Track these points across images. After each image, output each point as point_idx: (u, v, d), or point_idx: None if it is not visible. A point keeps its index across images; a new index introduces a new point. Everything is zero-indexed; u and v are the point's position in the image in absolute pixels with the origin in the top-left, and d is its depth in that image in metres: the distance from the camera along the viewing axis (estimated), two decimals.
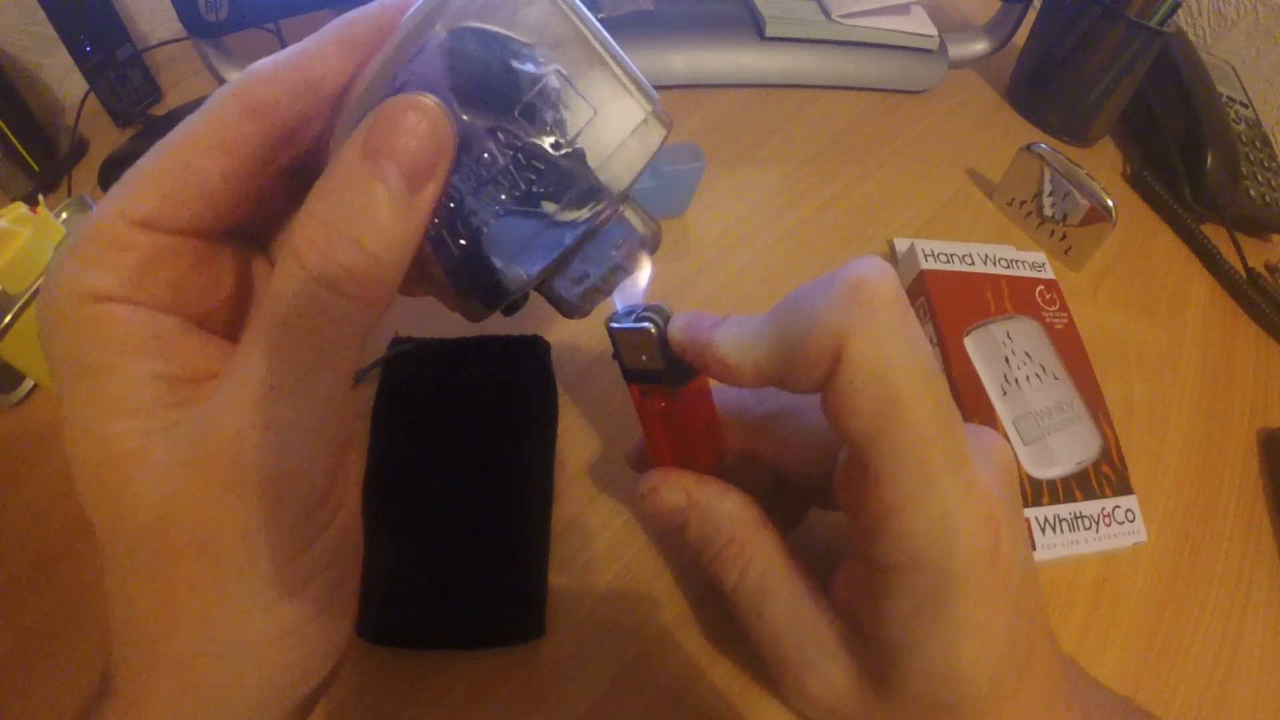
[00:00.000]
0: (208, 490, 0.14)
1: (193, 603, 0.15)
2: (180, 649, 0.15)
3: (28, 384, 0.34)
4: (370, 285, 0.14)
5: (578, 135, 0.16)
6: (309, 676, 0.17)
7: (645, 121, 0.17)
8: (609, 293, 0.19)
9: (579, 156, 0.16)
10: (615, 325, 0.21)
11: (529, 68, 0.16)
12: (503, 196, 0.16)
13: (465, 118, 0.16)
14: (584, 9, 0.16)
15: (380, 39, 0.16)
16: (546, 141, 0.16)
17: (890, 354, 0.17)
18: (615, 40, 0.17)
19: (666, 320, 0.21)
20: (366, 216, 0.14)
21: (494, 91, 0.16)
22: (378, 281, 0.14)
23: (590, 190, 0.17)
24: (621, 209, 0.18)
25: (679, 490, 0.24)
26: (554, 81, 0.16)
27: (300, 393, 0.14)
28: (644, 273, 0.19)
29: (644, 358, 0.21)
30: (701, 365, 0.20)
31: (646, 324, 0.21)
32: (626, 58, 0.16)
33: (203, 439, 0.14)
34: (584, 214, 0.17)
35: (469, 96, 0.16)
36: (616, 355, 0.22)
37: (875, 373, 0.17)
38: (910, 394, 0.17)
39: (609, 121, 0.16)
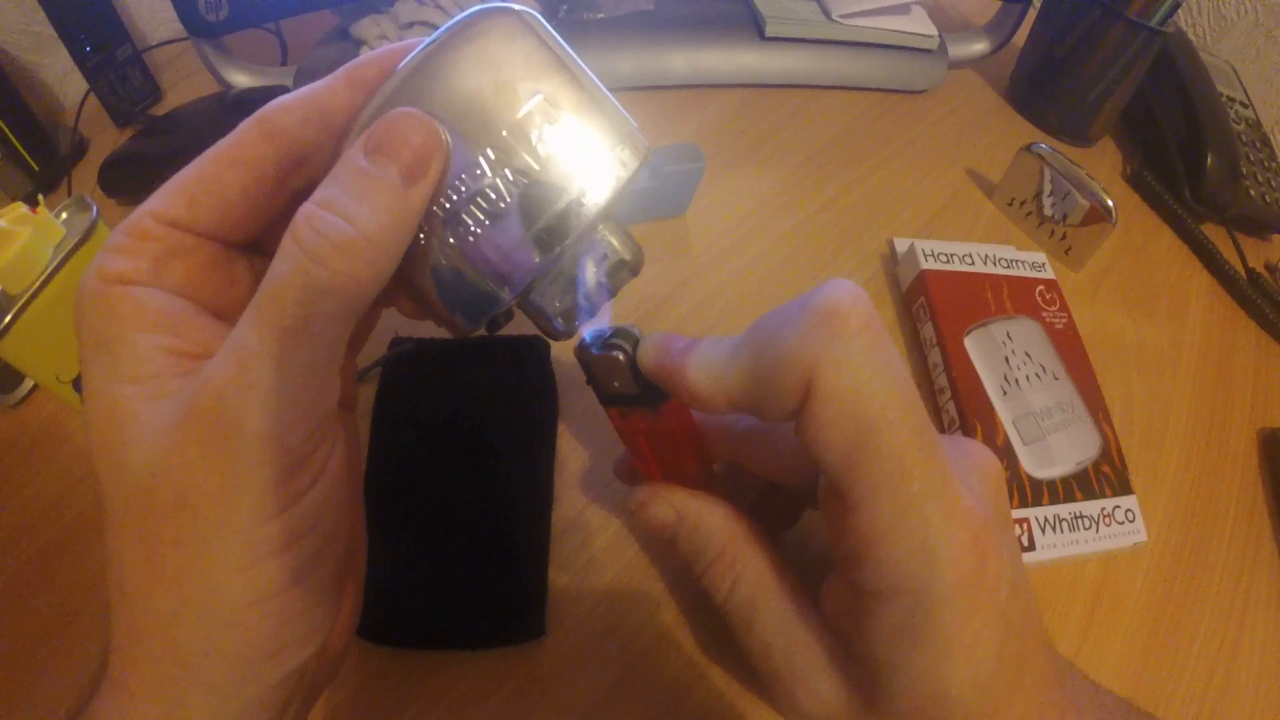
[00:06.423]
0: (192, 448, 0.15)
1: (174, 558, 0.15)
2: (161, 607, 0.16)
3: (28, 384, 0.34)
4: (357, 263, 0.15)
5: (558, 157, 0.17)
6: (285, 651, 0.17)
7: (623, 144, 0.17)
8: (593, 312, 0.19)
9: (558, 177, 0.17)
10: (584, 352, 0.21)
11: (514, 94, 0.17)
12: (484, 215, 0.17)
13: (453, 138, 0.17)
14: (564, 43, 0.17)
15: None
16: (527, 162, 0.17)
17: (861, 384, 0.17)
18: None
19: (635, 344, 0.20)
20: (361, 200, 0.15)
21: (480, 115, 0.17)
22: (366, 261, 0.15)
23: (569, 210, 0.17)
24: (601, 228, 0.18)
25: (668, 505, 0.24)
26: (537, 107, 0.17)
27: (282, 359, 0.15)
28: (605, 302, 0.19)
29: (616, 383, 0.21)
30: (673, 392, 0.20)
31: (615, 351, 0.20)
32: (604, 87, 0.18)
33: (192, 400, 0.15)
34: (563, 233, 0.17)
35: (457, 118, 0.17)
36: (590, 381, 0.22)
37: (846, 404, 0.17)
38: (885, 423, 0.17)
39: (588, 144, 0.17)
